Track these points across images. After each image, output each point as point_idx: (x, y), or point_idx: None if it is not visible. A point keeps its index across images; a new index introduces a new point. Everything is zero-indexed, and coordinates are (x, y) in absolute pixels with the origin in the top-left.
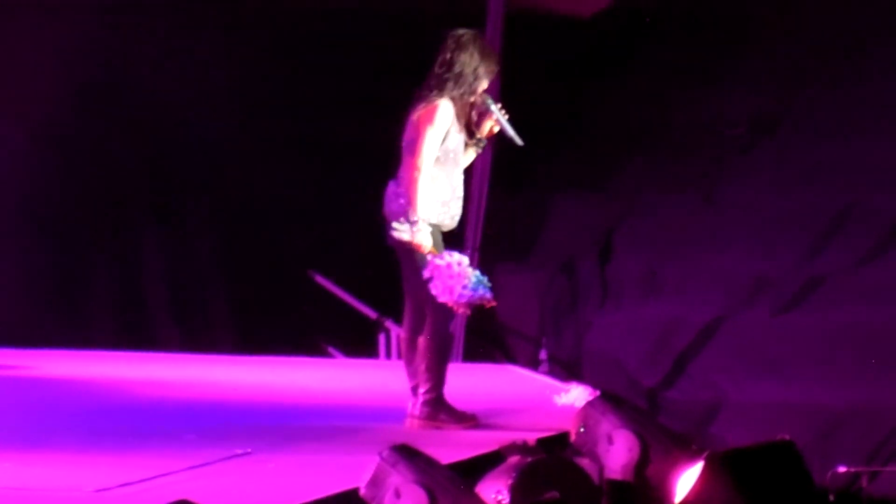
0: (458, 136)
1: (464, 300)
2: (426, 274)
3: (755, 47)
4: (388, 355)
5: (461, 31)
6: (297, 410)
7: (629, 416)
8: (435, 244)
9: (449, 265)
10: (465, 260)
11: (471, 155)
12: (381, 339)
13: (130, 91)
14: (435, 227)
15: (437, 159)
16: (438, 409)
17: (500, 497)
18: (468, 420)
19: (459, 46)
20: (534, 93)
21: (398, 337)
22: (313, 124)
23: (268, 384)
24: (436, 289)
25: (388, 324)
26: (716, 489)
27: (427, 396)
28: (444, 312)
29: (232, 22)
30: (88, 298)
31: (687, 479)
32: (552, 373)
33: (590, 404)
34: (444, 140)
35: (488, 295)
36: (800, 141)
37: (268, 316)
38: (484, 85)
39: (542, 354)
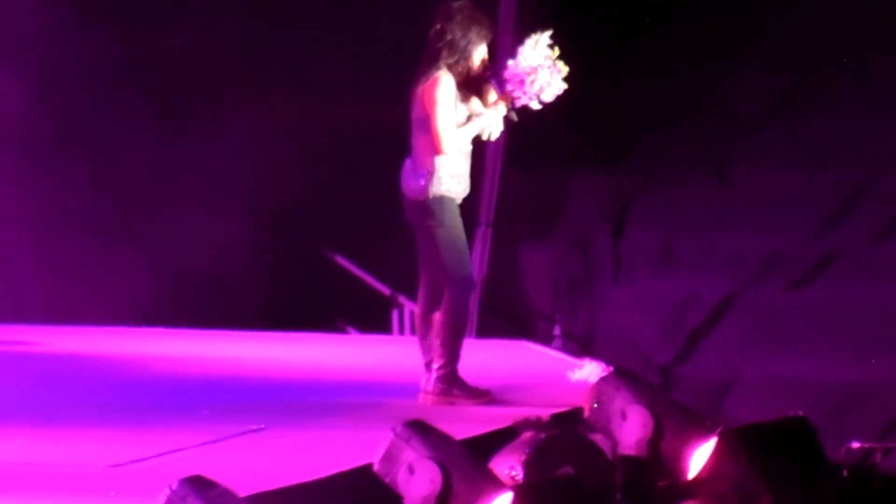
0: (462, 107)
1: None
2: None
3: (769, 24)
4: (402, 331)
5: (451, 2)
6: (310, 386)
7: (642, 392)
8: (452, 215)
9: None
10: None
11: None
12: (395, 315)
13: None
14: (450, 199)
15: None
16: (452, 385)
17: (513, 472)
18: (482, 396)
19: (448, 16)
20: None
21: (412, 313)
22: (326, 103)
23: (281, 360)
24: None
25: (402, 300)
26: (729, 465)
27: (441, 372)
28: (464, 289)
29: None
30: (103, 275)
31: (700, 454)
32: (566, 349)
33: (603, 380)
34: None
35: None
36: (813, 118)
37: (281, 292)
38: (479, 51)
39: (556, 330)
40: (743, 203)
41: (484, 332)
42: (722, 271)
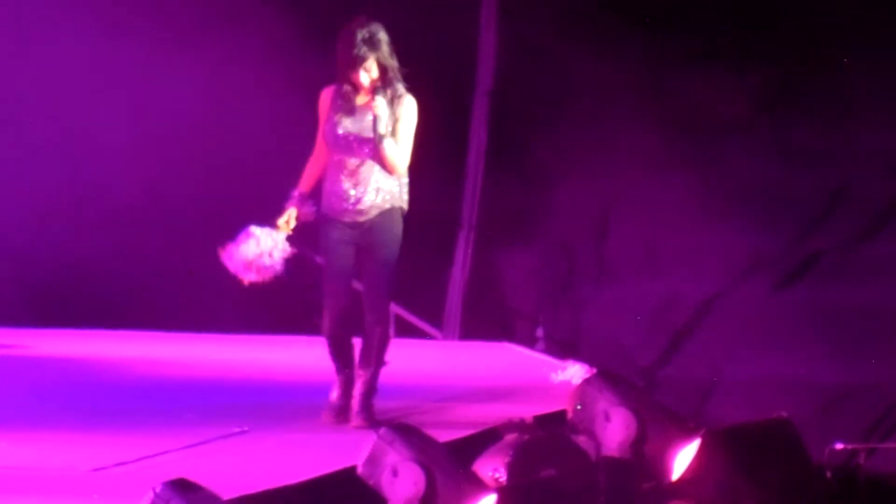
0: (335, 120)
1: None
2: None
3: (755, 26)
4: None
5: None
6: (293, 389)
7: (626, 394)
8: (323, 237)
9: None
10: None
11: (384, 144)
12: None
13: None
14: (326, 218)
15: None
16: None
17: (497, 475)
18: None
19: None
20: (530, 72)
21: (395, 316)
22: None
23: (264, 363)
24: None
25: None
26: (713, 466)
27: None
28: (326, 310)
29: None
30: (88, 278)
31: (684, 456)
32: (549, 351)
33: (587, 382)
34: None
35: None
36: (797, 120)
37: (265, 295)
38: (352, 69)
39: (539, 332)
40: (726, 204)
41: (467, 334)
42: (705, 272)
